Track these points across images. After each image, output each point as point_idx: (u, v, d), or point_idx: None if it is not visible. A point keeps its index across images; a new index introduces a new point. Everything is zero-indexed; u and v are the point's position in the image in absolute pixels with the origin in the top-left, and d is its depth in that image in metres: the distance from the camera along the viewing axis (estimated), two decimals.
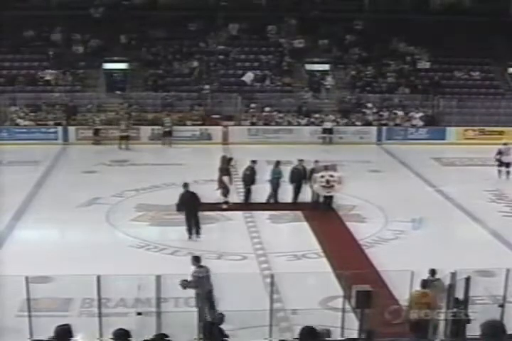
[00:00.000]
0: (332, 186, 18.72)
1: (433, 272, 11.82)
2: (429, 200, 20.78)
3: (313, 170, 19.31)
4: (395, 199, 20.58)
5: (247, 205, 19.64)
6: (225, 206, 19.20)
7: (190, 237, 16.69)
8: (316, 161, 19.66)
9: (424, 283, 11.32)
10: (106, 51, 33.97)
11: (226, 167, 19.59)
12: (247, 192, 19.86)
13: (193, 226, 16.71)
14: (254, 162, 19.91)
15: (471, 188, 22.15)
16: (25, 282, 10.83)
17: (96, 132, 29.68)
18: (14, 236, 16.99)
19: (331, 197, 19.08)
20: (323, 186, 18.72)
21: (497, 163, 23.55)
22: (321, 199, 19.22)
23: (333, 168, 19.17)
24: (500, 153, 23.47)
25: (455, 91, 33.47)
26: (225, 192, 19.30)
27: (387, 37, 34.95)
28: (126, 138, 29.29)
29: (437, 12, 36.90)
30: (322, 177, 18.69)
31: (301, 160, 20.01)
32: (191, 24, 35.27)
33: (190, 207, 16.62)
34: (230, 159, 20.25)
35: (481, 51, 34.72)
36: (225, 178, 19.32)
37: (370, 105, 32.29)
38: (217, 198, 19.32)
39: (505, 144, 24.03)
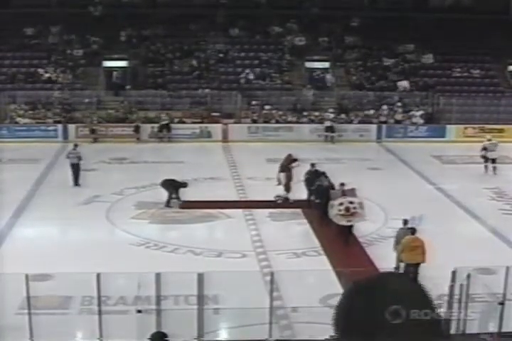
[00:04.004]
0: (353, 214, 16.34)
1: (405, 222, 14.50)
2: (429, 198, 20.73)
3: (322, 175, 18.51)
4: (395, 196, 20.55)
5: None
6: (279, 201, 19.44)
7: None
8: (342, 184, 17.13)
9: (414, 230, 13.79)
10: (106, 49, 33.95)
11: (286, 165, 19.74)
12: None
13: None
14: (313, 165, 19.71)
15: (471, 186, 22.15)
16: (25, 280, 10.83)
17: (93, 130, 29.58)
18: (14, 234, 16.99)
19: (351, 225, 16.77)
20: (343, 214, 16.30)
21: (483, 159, 23.83)
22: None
23: (351, 193, 16.72)
24: (485, 149, 23.75)
25: (455, 89, 33.44)
26: (286, 188, 19.52)
27: (386, 35, 34.90)
28: (167, 126, 29.24)
29: (437, 10, 36.87)
30: (341, 204, 16.27)
31: (326, 177, 18.62)
32: (191, 22, 35.22)
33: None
34: (295, 160, 20.01)
35: (480, 49, 34.69)
36: (281, 175, 19.54)
37: (370, 103, 32.25)
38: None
39: (489, 140, 24.28)
